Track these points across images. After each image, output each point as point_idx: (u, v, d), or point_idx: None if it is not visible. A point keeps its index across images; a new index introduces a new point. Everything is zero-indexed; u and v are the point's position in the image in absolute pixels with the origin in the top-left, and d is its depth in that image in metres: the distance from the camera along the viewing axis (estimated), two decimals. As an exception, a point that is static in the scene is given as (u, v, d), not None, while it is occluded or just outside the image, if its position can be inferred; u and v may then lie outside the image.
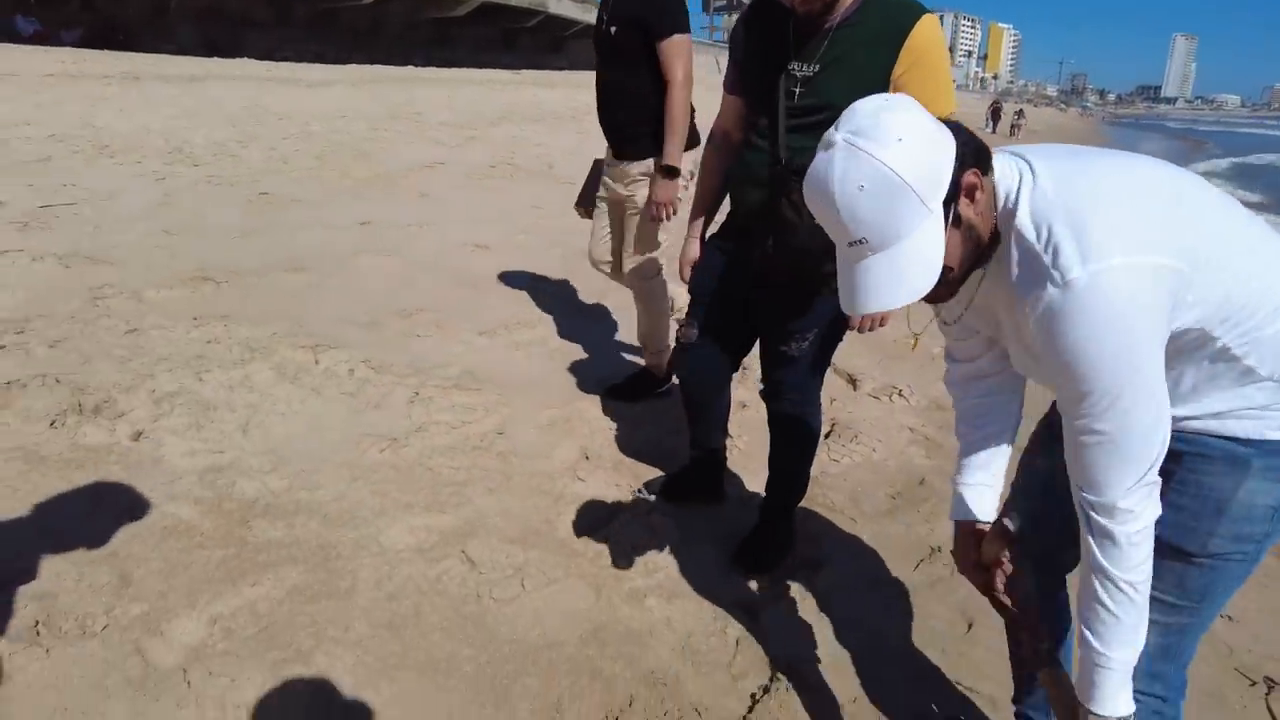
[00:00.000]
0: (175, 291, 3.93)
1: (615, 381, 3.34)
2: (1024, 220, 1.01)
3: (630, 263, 3.15)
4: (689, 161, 2.91)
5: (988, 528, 1.31)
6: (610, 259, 3.24)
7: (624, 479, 2.70)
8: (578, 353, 3.75)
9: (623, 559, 2.27)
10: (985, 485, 1.35)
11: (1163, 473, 1.04)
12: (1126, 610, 1.05)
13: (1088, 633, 1.08)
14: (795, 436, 2.24)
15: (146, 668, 1.72)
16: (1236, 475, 1.11)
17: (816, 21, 1.83)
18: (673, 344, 3.02)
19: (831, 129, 0.99)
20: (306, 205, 6.07)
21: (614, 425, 3.06)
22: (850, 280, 1.01)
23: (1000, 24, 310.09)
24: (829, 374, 2.51)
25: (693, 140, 2.94)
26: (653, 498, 2.57)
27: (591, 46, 3.07)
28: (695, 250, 2.27)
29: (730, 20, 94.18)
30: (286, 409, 2.88)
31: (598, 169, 3.22)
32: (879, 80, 1.79)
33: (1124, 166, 1.09)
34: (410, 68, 22.93)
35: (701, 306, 2.21)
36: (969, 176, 0.99)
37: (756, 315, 2.14)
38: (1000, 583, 1.27)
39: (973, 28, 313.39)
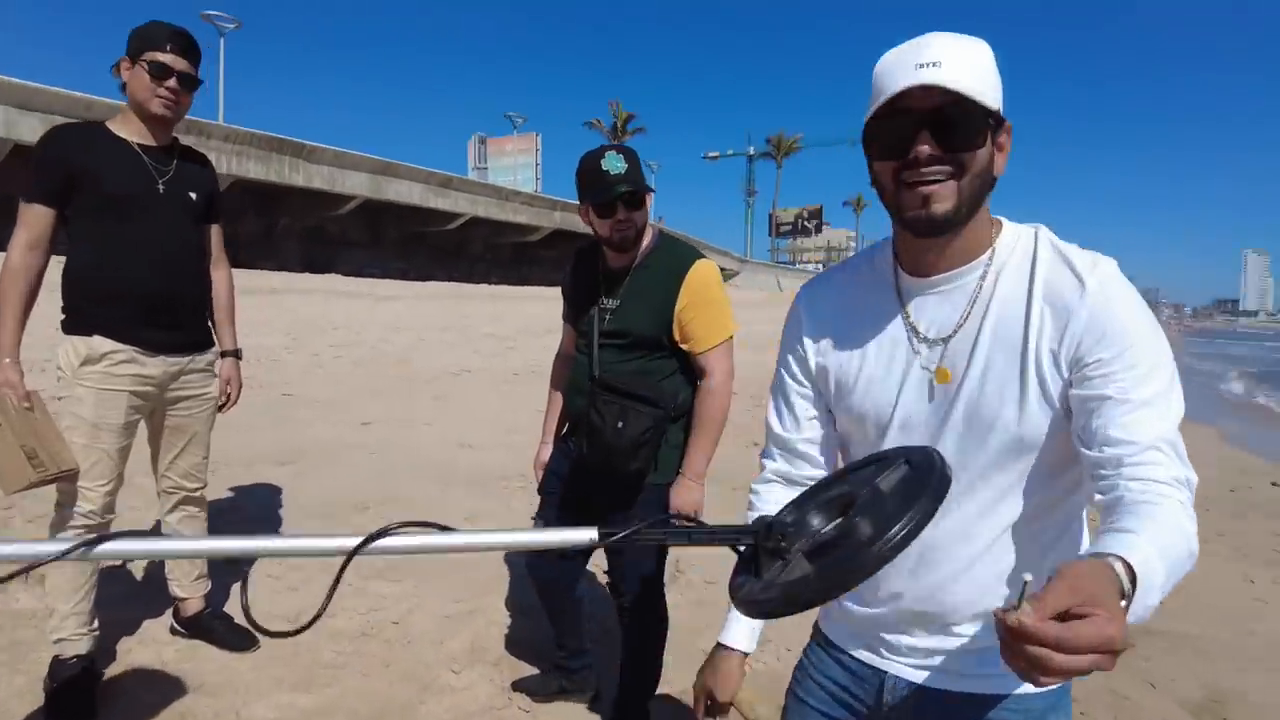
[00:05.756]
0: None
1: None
2: (1043, 237, 1.12)
3: (200, 478, 2.76)
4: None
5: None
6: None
7: (501, 675, 2.79)
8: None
9: (463, 750, 2.35)
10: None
11: None
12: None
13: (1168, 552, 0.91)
14: (637, 628, 2.37)
15: None
16: None
17: (619, 270, 2.23)
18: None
19: None
20: (322, 405, 6.70)
21: (511, 619, 3.19)
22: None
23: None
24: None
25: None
26: (518, 693, 2.65)
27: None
28: (547, 453, 2.55)
29: (794, 242, 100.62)
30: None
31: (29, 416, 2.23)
32: (666, 310, 2.15)
33: None
34: (482, 285, 25.08)
35: (549, 508, 2.45)
36: (1005, 130, 1.07)
37: (591, 511, 2.36)
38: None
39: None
